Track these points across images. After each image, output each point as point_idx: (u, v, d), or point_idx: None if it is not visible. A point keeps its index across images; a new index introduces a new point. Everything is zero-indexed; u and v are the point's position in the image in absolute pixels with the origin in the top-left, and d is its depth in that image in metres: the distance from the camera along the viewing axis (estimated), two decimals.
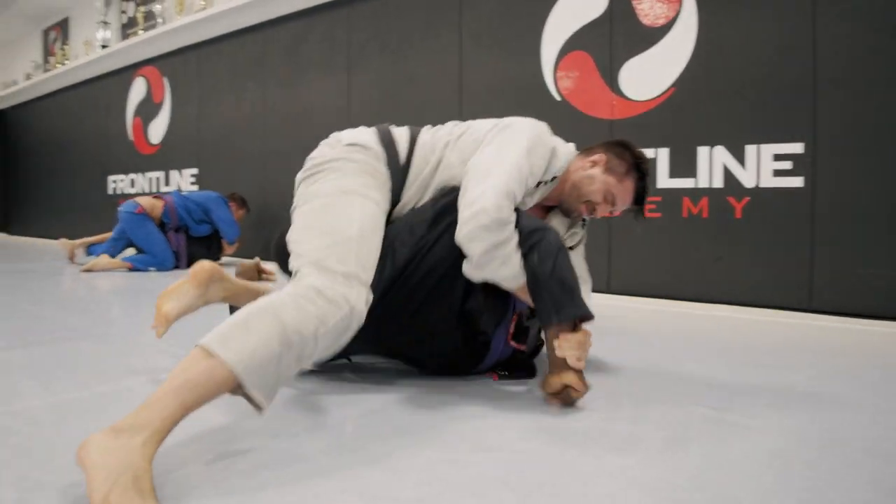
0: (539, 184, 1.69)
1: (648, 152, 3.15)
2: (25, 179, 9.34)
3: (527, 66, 3.61)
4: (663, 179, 3.13)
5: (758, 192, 2.86)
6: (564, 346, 1.40)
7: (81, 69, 7.43)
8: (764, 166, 2.84)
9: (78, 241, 5.00)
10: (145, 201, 4.68)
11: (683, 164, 3.08)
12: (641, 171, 1.79)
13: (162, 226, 4.68)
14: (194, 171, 6.03)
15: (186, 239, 4.73)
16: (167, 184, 6.35)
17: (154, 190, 6.49)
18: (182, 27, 5.71)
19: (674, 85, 3.08)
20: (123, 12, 6.79)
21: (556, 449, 1.18)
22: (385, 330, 1.53)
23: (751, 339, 2.33)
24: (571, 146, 1.85)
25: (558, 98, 3.49)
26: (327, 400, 1.49)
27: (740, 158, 2.90)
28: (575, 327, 1.44)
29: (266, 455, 1.13)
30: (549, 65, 3.53)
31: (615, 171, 1.77)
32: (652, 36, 3.15)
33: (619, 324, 2.65)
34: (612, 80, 3.29)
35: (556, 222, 1.87)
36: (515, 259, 1.45)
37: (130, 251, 4.78)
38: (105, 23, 6.91)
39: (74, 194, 8.03)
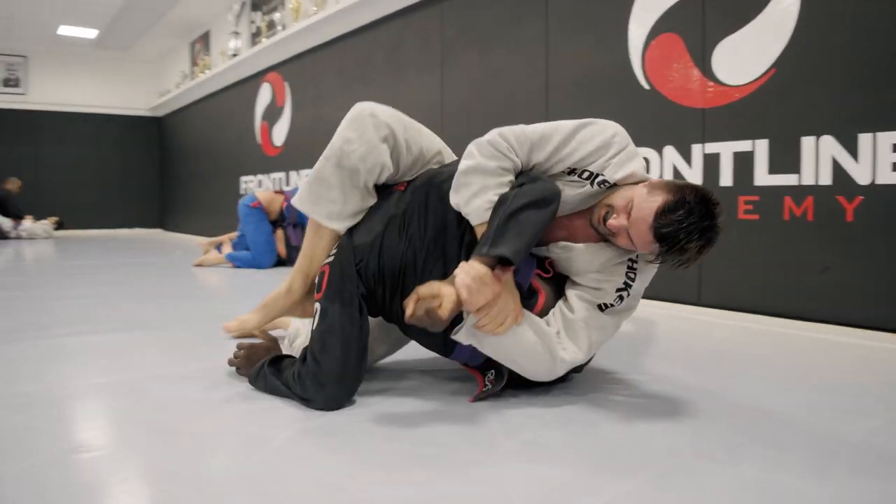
0: (574, 172, 1.53)
1: (744, 145, 2.75)
2: (177, 180, 10.18)
3: (613, 52, 3.30)
4: (761, 176, 2.71)
5: (873, 190, 2.39)
6: (466, 269, 1.29)
7: (218, 78, 7.94)
8: (881, 159, 2.36)
9: (211, 240, 5.28)
10: (264, 196, 4.83)
11: (785, 158, 2.64)
12: (700, 211, 1.38)
13: (280, 220, 4.82)
14: (305, 171, 6.21)
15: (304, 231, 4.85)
16: (288, 184, 6.60)
17: (285, 189, 6.77)
18: (297, 33, 5.89)
19: (774, 66, 2.66)
20: (252, 22, 7.14)
21: None
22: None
23: (863, 371, 1.93)
24: (646, 173, 1.59)
25: (646, 86, 3.15)
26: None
27: (852, 150, 2.44)
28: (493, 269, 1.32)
29: None
30: (636, 50, 3.19)
31: (654, 188, 1.45)
32: (748, 9, 2.74)
33: (705, 343, 2.33)
34: (704, 64, 2.91)
35: (600, 252, 1.54)
36: (489, 197, 1.44)
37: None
38: (236, 33, 7.30)
39: (214, 194, 8.61)
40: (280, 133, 6.79)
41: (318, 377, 1.47)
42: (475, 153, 1.49)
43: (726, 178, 2.83)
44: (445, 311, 1.25)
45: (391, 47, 5.02)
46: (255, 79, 7.28)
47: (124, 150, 10.54)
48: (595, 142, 1.52)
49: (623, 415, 1.45)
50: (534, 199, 1.40)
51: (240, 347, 1.77)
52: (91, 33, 8.81)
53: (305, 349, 1.54)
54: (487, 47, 4.11)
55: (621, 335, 2.19)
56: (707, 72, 2.89)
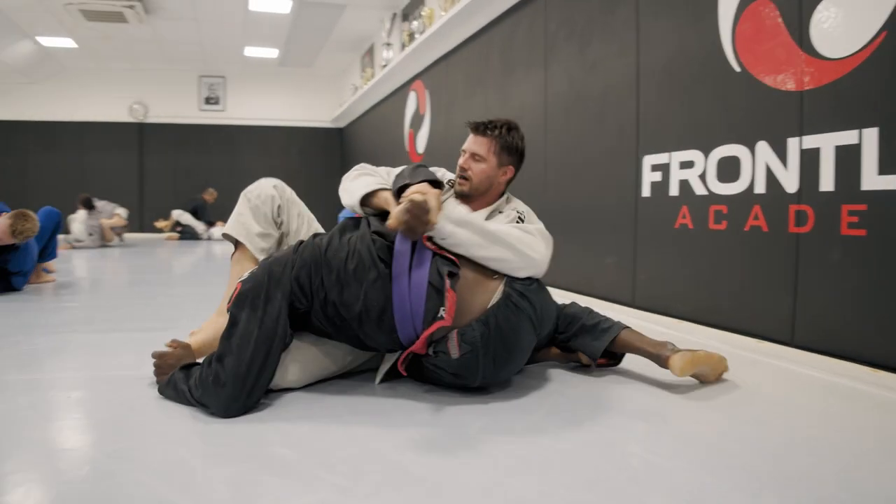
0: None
1: (848, 136, 2.11)
2: None
3: (703, 30, 2.75)
4: (869, 177, 2.06)
5: None
6: (421, 188, 1.76)
7: (376, 88, 8.17)
8: None
9: None
10: None
11: None
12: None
13: None
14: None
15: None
16: None
17: None
18: (428, 39, 5.83)
19: (884, 28, 2.00)
20: (404, 31, 7.23)
21: None
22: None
23: None
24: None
25: (737, 68, 2.57)
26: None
27: None
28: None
29: None
30: (726, 26, 2.62)
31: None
32: None
33: (802, 400, 1.83)
34: (801, 36, 2.29)
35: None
36: (369, 180, 1.99)
37: None
38: (388, 44, 7.45)
39: None
40: (422, 140, 6.79)
41: (219, 376, 1.53)
42: (343, 182, 2.11)
43: (827, 181, 2.20)
44: (434, 215, 1.68)
45: (504, 47, 4.74)
46: (405, 87, 7.37)
47: (310, 160, 11.31)
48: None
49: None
50: (423, 165, 2.02)
51: (152, 356, 1.80)
52: (272, 52, 9.55)
53: (211, 355, 1.61)
54: (585, 39, 3.68)
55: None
56: (805, 44, 2.27)
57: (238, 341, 1.57)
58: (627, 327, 2.07)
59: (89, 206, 8.00)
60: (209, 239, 9.49)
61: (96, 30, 7.93)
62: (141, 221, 10.35)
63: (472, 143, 2.11)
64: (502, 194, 2.16)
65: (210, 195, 9.95)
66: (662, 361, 1.90)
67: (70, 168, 10.29)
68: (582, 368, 2.14)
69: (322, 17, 7.75)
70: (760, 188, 2.46)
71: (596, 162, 3.60)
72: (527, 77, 4.36)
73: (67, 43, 8.69)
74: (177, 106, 10.84)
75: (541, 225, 2.04)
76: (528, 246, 1.85)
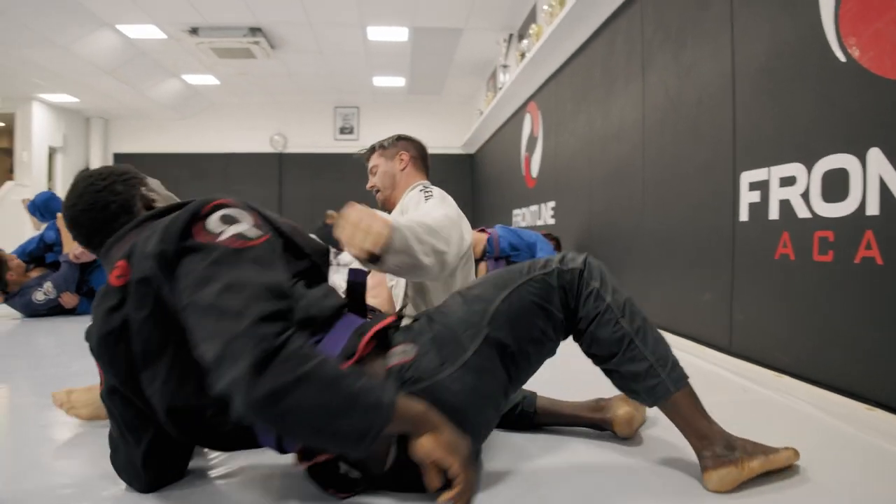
0: None
1: None
2: (481, 214, 10.52)
3: (800, 15, 2.22)
4: None
5: None
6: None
7: (496, 113, 7.95)
8: None
9: None
10: (471, 236, 4.71)
11: None
12: None
13: (483, 256, 4.66)
14: (552, 203, 5.73)
15: (507, 265, 4.58)
16: (539, 218, 6.21)
17: (536, 224, 6.42)
18: (534, 58, 5.51)
19: None
20: (517, 52, 6.97)
21: None
22: None
23: None
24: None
25: (842, 59, 2.03)
26: None
27: None
28: None
29: None
30: (828, 10, 2.09)
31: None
32: None
33: None
34: None
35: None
36: None
37: None
38: (504, 66, 7.21)
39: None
40: (535, 164, 6.45)
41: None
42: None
43: None
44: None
45: (604, 59, 4.32)
46: (521, 110, 7.08)
47: (441, 187, 11.19)
48: None
49: None
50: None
51: None
52: (400, 81, 9.65)
53: None
54: (679, 42, 3.21)
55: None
56: None
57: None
58: (684, 386, 1.38)
59: None
60: (338, 265, 9.67)
61: (232, 66, 8.42)
62: None
63: (369, 169, 2.46)
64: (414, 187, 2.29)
65: (332, 219, 10.17)
66: (700, 464, 1.35)
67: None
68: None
69: (440, 42, 7.68)
70: (873, 209, 1.91)
71: (691, 180, 3.09)
72: (625, 89, 3.92)
73: (210, 80, 9.32)
74: (314, 136, 11.29)
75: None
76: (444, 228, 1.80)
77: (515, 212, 7.40)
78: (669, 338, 1.45)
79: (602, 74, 4.36)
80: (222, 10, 6.60)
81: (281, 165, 11.37)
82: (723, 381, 2.35)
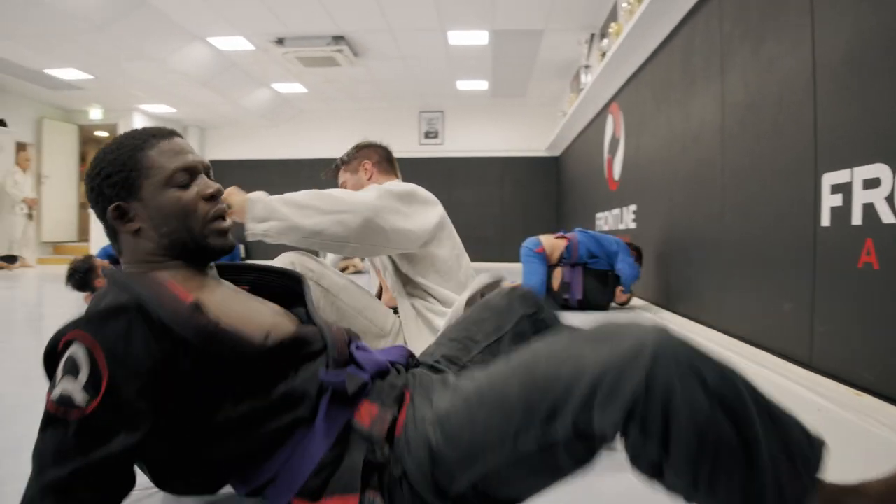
0: None
1: None
2: (565, 216, 10.36)
3: (889, 5, 2.04)
4: None
5: None
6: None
7: (578, 114, 7.79)
8: None
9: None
10: (548, 241, 4.67)
11: None
12: None
13: (559, 262, 4.59)
14: (634, 206, 5.55)
15: (583, 272, 4.50)
16: (621, 221, 6.04)
17: (617, 227, 6.24)
18: (616, 56, 5.36)
19: None
20: (598, 52, 6.80)
21: None
22: None
23: None
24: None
25: None
26: None
27: None
28: None
29: None
30: None
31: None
32: None
33: None
34: None
35: None
36: None
37: None
38: (586, 67, 7.05)
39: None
40: (618, 166, 6.27)
41: None
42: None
43: None
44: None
45: (683, 56, 4.14)
46: (604, 111, 6.91)
47: (525, 190, 11.21)
48: None
49: None
50: None
51: None
52: (483, 84, 9.61)
53: None
54: (759, 35, 3.01)
55: None
56: None
57: None
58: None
59: None
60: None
61: (318, 74, 8.65)
62: None
63: (339, 184, 2.51)
64: None
65: None
66: None
67: None
68: None
69: (521, 44, 7.59)
70: None
71: (771, 182, 2.90)
72: (705, 88, 3.74)
73: (298, 88, 9.62)
74: (399, 141, 11.32)
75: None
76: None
77: (598, 215, 7.22)
78: (748, 350, 1.31)
79: (681, 73, 4.18)
80: (306, 21, 6.79)
81: None
82: (797, 399, 2.18)
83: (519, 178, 11.27)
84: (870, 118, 2.15)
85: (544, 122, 10.83)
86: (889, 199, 2.02)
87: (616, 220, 6.24)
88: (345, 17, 6.72)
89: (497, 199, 11.32)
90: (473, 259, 9.65)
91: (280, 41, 7.34)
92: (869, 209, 2.13)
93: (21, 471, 0.90)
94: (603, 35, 6.49)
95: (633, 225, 5.54)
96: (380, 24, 6.91)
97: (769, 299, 2.88)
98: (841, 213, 2.30)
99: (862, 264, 2.16)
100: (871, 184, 2.11)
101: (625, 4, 5.05)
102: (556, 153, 10.96)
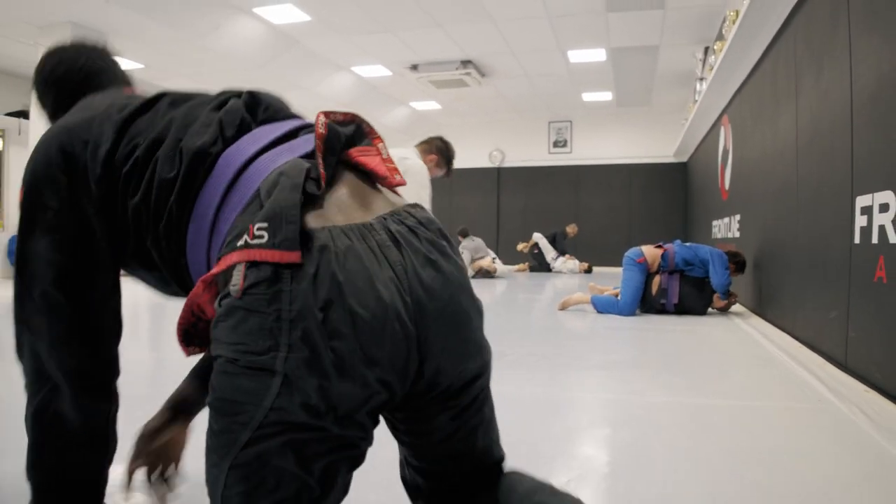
0: None
1: None
2: (693, 223, 10.38)
3: None
4: None
5: None
6: None
7: (697, 123, 7.95)
8: None
9: (599, 287, 5.64)
10: (649, 252, 5.00)
11: None
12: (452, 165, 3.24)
13: (658, 270, 4.91)
14: (738, 216, 5.75)
15: (681, 279, 4.82)
16: (729, 230, 6.22)
17: (726, 236, 6.42)
18: (720, 71, 5.60)
19: None
20: (707, 66, 6.97)
21: None
22: None
23: None
24: (412, 150, 3.39)
25: None
26: None
27: None
28: None
29: None
30: None
31: (441, 165, 3.40)
32: None
33: None
34: None
35: None
36: None
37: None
38: (701, 79, 7.23)
39: (698, 237, 8.58)
40: (728, 176, 6.45)
41: None
42: None
43: None
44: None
45: (772, 77, 4.37)
46: (718, 122, 7.07)
47: (653, 196, 11.35)
48: None
49: None
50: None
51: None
52: (607, 95, 9.94)
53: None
54: (819, 64, 3.28)
55: None
56: None
57: None
58: None
59: (464, 235, 9.36)
60: (557, 271, 10.11)
61: (450, 93, 9.41)
62: (497, 254, 11.65)
63: None
64: None
65: (572, 228, 10.56)
66: None
67: (441, 209, 12.15)
68: None
69: (639, 59, 7.90)
70: None
71: (822, 201, 3.17)
72: (786, 108, 3.99)
73: (433, 105, 10.47)
74: (529, 150, 11.99)
75: None
76: None
77: (714, 223, 7.37)
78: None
79: (770, 92, 4.42)
80: (436, 49, 7.54)
81: (499, 178, 12.24)
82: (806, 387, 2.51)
83: (646, 185, 11.42)
84: (884, 148, 2.45)
85: (670, 130, 10.92)
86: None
87: (726, 228, 6.41)
88: (470, 44, 7.39)
89: (625, 206, 11.53)
90: (602, 264, 10.25)
91: (414, 67, 8.16)
92: (881, 230, 2.43)
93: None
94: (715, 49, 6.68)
95: (737, 234, 5.73)
96: (502, 48, 7.51)
97: (821, 307, 3.16)
98: (866, 233, 2.60)
99: (876, 278, 2.46)
100: (884, 208, 2.42)
101: (727, 23, 5.29)
102: (684, 159, 11.00)
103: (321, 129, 0.86)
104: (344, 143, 0.90)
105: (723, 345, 3.62)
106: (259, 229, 0.75)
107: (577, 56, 7.86)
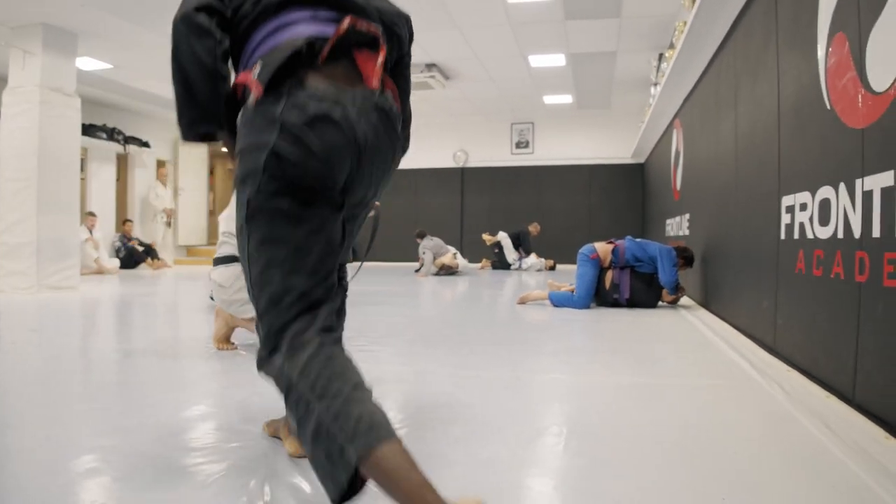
0: None
1: (887, 178, 1.96)
2: (650, 221, 10.75)
3: (806, 67, 2.62)
4: None
5: None
6: None
7: (652, 125, 8.30)
8: None
9: (556, 284, 5.91)
10: (601, 248, 5.25)
11: None
12: None
13: (610, 265, 5.17)
14: (688, 215, 6.07)
15: (631, 274, 5.08)
16: (680, 229, 6.55)
17: (678, 234, 6.75)
18: (671, 77, 5.91)
19: None
20: (659, 72, 7.30)
21: None
22: None
23: None
24: None
25: (828, 107, 2.43)
26: None
27: None
28: None
29: None
30: (822, 60, 2.50)
31: None
32: None
33: None
34: (860, 65, 2.15)
35: None
36: None
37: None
38: (655, 84, 7.56)
39: (653, 234, 8.92)
40: (679, 177, 6.78)
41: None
42: None
43: (876, 227, 2.03)
44: None
45: (715, 84, 4.68)
46: (671, 126, 7.41)
47: (612, 195, 11.70)
48: None
49: None
50: None
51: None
52: (568, 98, 10.24)
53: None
54: (751, 77, 3.58)
55: None
56: (862, 75, 2.14)
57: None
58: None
59: (422, 237, 9.51)
60: (519, 268, 10.41)
61: (415, 95, 9.60)
62: (462, 253, 11.89)
63: None
64: None
65: (534, 227, 10.85)
66: None
67: (406, 208, 12.34)
68: None
69: (597, 64, 8.20)
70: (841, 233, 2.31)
71: (754, 203, 3.47)
72: (726, 116, 4.29)
73: None
74: (492, 151, 12.25)
75: None
76: None
77: (668, 221, 7.70)
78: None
79: (714, 99, 4.73)
80: None
81: (463, 179, 12.47)
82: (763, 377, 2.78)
83: (605, 184, 11.77)
84: (797, 156, 2.73)
85: (629, 131, 11.29)
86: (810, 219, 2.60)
87: (678, 226, 6.74)
88: (435, 48, 7.60)
89: (585, 205, 11.86)
90: (563, 262, 10.53)
91: None
92: (800, 227, 2.72)
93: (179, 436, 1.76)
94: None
95: (687, 232, 6.05)
96: (466, 53, 7.74)
97: (755, 298, 3.45)
98: (789, 230, 2.88)
99: (797, 270, 2.75)
100: (803, 207, 2.70)
101: (677, 32, 5.60)
102: (641, 160, 11.38)
103: (343, 27, 1.28)
104: (354, 43, 1.31)
105: (666, 333, 3.89)
106: (256, 66, 1.26)
107: (537, 61, 8.13)
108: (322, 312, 1.27)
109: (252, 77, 1.25)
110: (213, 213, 12.51)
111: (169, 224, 11.14)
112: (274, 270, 1.24)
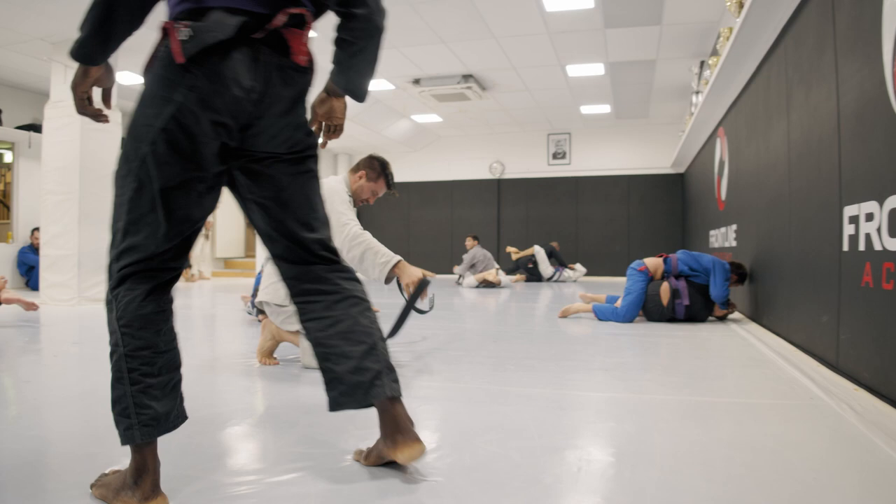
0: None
1: None
2: (691, 232, 10.54)
3: (871, 71, 2.51)
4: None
5: None
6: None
7: (693, 135, 8.13)
8: None
9: (590, 296, 5.81)
10: (650, 262, 5.14)
11: None
12: (386, 171, 3.33)
13: (664, 276, 5.04)
14: (735, 226, 5.91)
15: (687, 282, 4.94)
16: (726, 240, 6.38)
17: (723, 245, 6.58)
18: (715, 86, 5.78)
19: None
20: (702, 80, 7.16)
21: None
22: None
23: None
24: (341, 176, 3.30)
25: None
26: None
27: None
28: None
29: None
30: (889, 64, 2.38)
31: (372, 177, 3.29)
32: None
33: None
34: None
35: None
36: (381, 250, 2.97)
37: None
38: (697, 92, 7.41)
39: (697, 244, 8.73)
40: (724, 187, 6.62)
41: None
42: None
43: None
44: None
45: (764, 92, 4.54)
46: (714, 134, 7.25)
47: (651, 206, 11.53)
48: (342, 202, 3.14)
49: None
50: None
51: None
52: (606, 108, 10.13)
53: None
54: (807, 84, 3.45)
55: None
56: None
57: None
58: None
59: (477, 240, 9.51)
60: (557, 280, 10.30)
61: (452, 106, 9.60)
62: (498, 264, 11.81)
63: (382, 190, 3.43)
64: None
65: (555, 244, 10.83)
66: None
67: (442, 220, 12.35)
68: None
69: (636, 73, 8.09)
70: None
71: (812, 212, 3.34)
72: (777, 123, 4.16)
73: (434, 118, 10.66)
74: (529, 162, 12.19)
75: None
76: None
77: (712, 232, 7.53)
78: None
79: (763, 107, 4.59)
80: (438, 64, 7.73)
81: (499, 190, 12.42)
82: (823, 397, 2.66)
83: (644, 195, 11.61)
84: (865, 163, 2.61)
85: (668, 141, 11.13)
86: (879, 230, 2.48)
87: (723, 237, 6.58)
88: (471, 59, 7.58)
89: (623, 216, 11.71)
90: (602, 273, 10.51)
91: (416, 81, 8.35)
92: (867, 238, 2.59)
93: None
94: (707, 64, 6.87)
95: (734, 243, 5.89)
96: (503, 63, 7.70)
97: (814, 312, 3.31)
98: (853, 241, 2.75)
99: (864, 283, 2.62)
100: (869, 217, 2.57)
101: (721, 39, 5.48)
102: (681, 170, 11.19)
103: (277, 23, 1.40)
104: (287, 24, 1.43)
105: (719, 348, 3.77)
106: (185, 29, 1.34)
107: (575, 70, 8.06)
108: None
109: (177, 37, 1.33)
110: (249, 225, 12.66)
111: (207, 236, 11.28)
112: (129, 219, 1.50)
